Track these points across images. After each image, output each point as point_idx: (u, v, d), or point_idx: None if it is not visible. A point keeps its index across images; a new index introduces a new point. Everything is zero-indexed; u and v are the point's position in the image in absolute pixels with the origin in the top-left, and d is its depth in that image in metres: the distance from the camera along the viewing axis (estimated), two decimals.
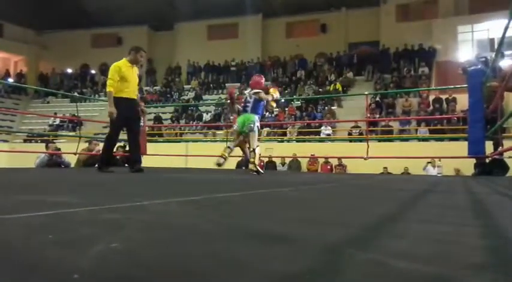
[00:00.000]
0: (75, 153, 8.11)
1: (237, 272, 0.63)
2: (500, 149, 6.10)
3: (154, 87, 22.03)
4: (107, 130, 19.22)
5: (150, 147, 9.76)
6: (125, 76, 4.99)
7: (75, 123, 17.11)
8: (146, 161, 9.82)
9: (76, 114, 11.30)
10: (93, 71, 25.20)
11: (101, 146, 8.59)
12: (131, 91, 5.14)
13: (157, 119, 17.49)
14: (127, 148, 10.03)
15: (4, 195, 1.95)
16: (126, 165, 9.40)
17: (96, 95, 22.15)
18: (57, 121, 19.35)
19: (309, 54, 21.04)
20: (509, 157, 6.80)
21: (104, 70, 24.82)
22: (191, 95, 20.46)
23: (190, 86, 21.64)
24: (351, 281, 0.59)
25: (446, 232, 1.07)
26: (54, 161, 7.73)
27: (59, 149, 8.29)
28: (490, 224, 1.29)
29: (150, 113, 16.93)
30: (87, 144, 8.37)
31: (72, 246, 0.78)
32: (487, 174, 6.25)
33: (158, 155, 9.28)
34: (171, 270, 0.63)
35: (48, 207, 1.34)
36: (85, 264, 0.65)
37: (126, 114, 5.03)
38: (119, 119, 5.00)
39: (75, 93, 14.13)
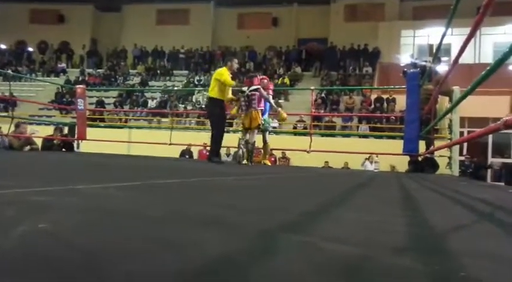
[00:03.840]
0: (6, 135, 7.60)
1: (169, 253, 0.62)
2: (431, 148, 6.51)
3: (98, 70, 21.07)
4: (43, 112, 18.01)
5: (91, 132, 9.36)
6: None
7: (7, 103, 15.96)
8: (86, 147, 9.43)
9: (10, 94, 10.51)
10: (30, 49, 23.56)
11: (29, 128, 8.09)
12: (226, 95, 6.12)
13: (100, 103, 16.78)
14: (65, 132, 9.57)
15: None
16: (64, 149, 8.98)
17: (33, 74, 20.78)
18: None
19: (259, 46, 21.10)
20: (440, 156, 7.28)
21: (42, 48, 23.30)
22: (137, 80, 19.80)
23: (136, 70, 20.94)
24: (284, 261, 0.61)
25: (376, 220, 1.13)
26: None
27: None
28: (416, 215, 1.38)
29: (91, 97, 16.21)
30: (16, 128, 7.80)
31: None
32: (419, 171, 6.65)
33: (99, 141, 8.92)
34: (101, 251, 0.61)
35: None
36: (6, 245, 0.61)
37: (225, 113, 6.28)
38: (224, 117, 6.25)
39: (9, 71, 13.14)
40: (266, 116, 6.74)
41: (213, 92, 6.02)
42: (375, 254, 0.68)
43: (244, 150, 6.20)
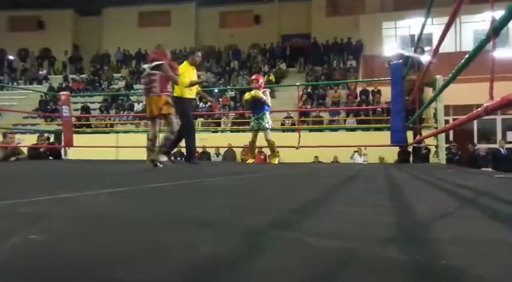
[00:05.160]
0: None
1: (162, 258, 0.63)
2: (418, 137, 6.59)
3: (81, 76, 20.85)
4: (27, 121, 17.75)
5: (78, 139, 9.26)
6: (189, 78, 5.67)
7: None
8: (74, 154, 9.33)
9: None
10: (11, 57, 23.19)
11: (16, 138, 8.01)
12: (193, 92, 5.86)
13: (85, 109, 16.62)
14: (51, 140, 9.46)
15: None
16: (51, 157, 8.87)
17: (15, 83, 20.47)
18: None
19: (242, 44, 21.10)
20: (427, 145, 7.37)
21: (23, 56, 22.96)
22: (121, 84, 19.64)
23: (120, 74, 20.76)
24: (273, 258, 0.63)
25: (363, 213, 1.16)
26: None
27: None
28: (403, 205, 1.41)
29: (76, 103, 16.02)
30: (3, 138, 7.73)
31: None
32: (412, 162, 6.72)
33: (86, 147, 8.84)
34: (95, 259, 0.63)
35: None
36: (1, 256, 0.62)
37: (190, 112, 5.86)
38: (188, 117, 5.68)
39: None
40: (267, 114, 6.45)
41: (176, 90, 5.53)
42: (362, 247, 0.70)
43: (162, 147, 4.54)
